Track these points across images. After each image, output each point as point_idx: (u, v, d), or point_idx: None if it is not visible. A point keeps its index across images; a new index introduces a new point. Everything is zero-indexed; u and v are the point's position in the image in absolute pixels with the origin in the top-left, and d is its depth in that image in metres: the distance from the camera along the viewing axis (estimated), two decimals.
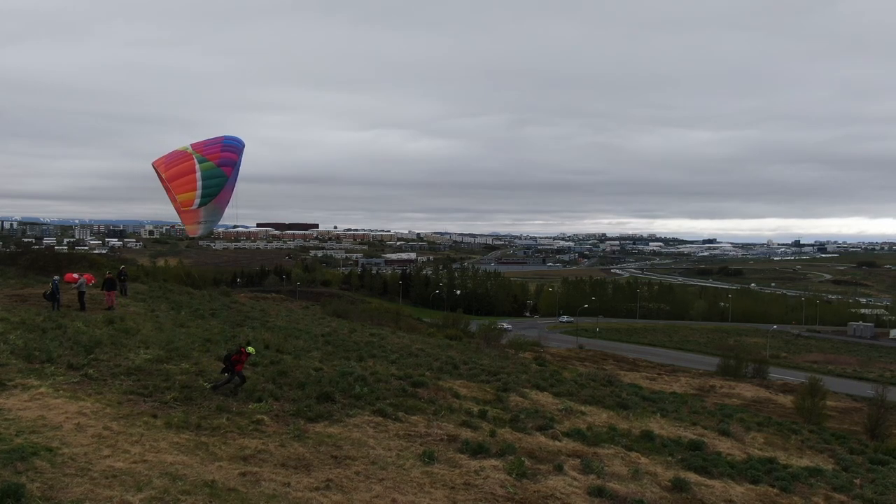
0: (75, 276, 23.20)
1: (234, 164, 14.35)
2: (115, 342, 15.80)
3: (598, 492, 10.91)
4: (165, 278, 64.74)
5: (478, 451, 12.04)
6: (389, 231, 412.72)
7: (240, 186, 14.66)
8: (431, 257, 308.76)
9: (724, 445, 17.39)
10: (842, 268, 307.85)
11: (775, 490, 13.77)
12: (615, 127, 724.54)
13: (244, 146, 14.98)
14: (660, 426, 18.36)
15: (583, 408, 18.45)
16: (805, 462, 17.83)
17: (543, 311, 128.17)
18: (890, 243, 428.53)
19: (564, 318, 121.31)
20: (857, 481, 15.95)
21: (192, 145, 14.64)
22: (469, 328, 61.72)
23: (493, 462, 11.59)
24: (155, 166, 14.57)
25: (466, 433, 13.45)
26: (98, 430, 10.34)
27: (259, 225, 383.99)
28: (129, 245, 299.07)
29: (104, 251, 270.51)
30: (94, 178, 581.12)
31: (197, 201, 13.79)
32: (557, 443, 14.04)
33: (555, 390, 20.75)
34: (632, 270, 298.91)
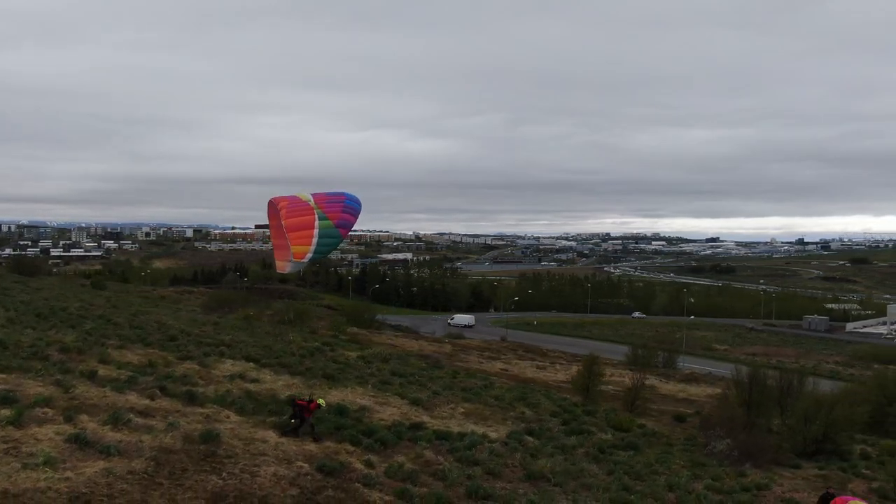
0: None
1: (350, 227, 15.35)
2: None
3: (76, 438, 11.26)
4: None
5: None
6: (388, 232, 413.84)
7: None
8: (427, 257, 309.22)
9: (391, 412, 17.64)
10: (833, 265, 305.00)
11: (357, 449, 14.03)
12: (610, 126, 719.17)
13: (361, 207, 15.81)
14: (351, 393, 18.75)
15: (268, 376, 18.86)
16: (486, 431, 17.92)
17: (504, 307, 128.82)
18: (895, 241, 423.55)
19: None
20: (523, 445, 16.31)
21: (315, 197, 15.31)
22: (376, 318, 63.21)
23: (7, 413, 11.98)
24: (274, 203, 15.33)
25: (52, 391, 13.79)
26: None
27: (257, 226, 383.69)
28: (124, 247, 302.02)
29: (99, 253, 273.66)
30: (96, 182, 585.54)
31: (309, 255, 14.88)
32: (146, 401, 14.41)
33: (267, 361, 21.19)
34: (625, 269, 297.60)
